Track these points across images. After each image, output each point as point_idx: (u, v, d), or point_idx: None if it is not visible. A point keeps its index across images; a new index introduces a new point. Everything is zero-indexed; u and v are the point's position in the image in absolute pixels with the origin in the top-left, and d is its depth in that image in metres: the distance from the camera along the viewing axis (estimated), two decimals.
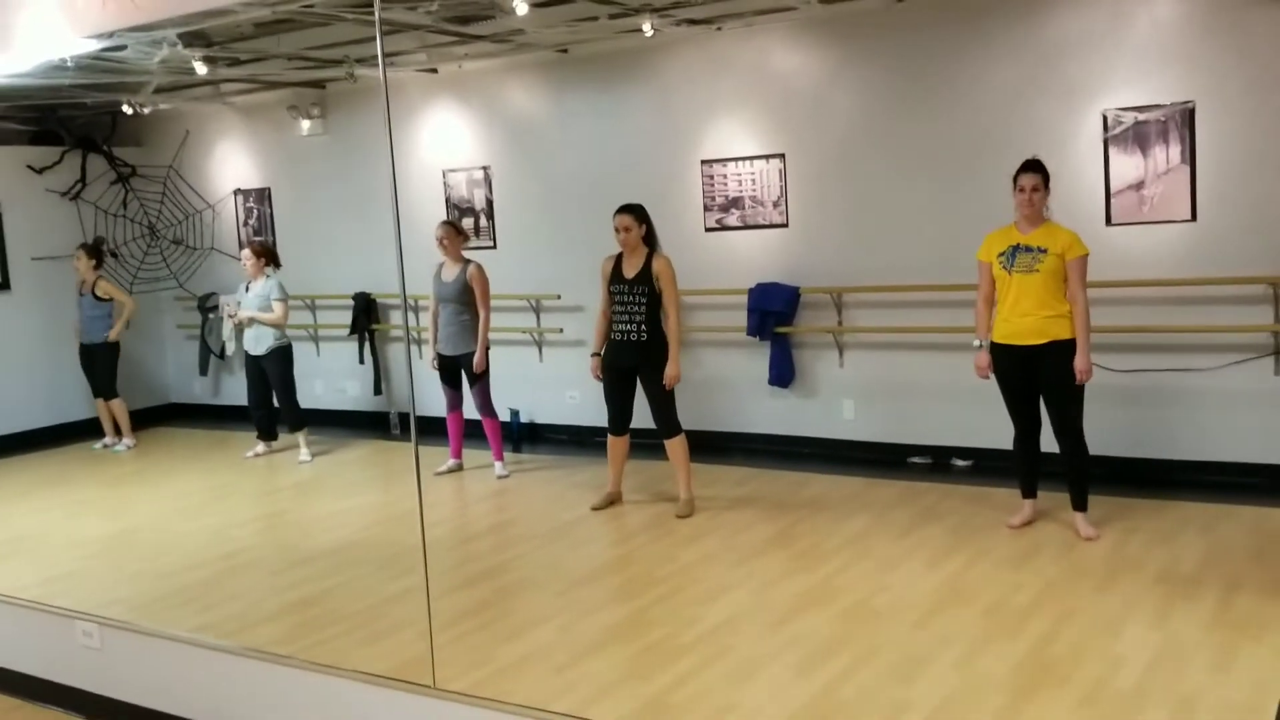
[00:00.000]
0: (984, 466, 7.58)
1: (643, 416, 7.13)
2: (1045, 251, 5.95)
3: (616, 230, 6.95)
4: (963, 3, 7.43)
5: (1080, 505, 6.15)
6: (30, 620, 5.89)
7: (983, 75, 7.51)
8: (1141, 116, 7.01)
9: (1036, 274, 5.96)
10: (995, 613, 5.07)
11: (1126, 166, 7.08)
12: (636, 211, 6.96)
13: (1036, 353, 6.03)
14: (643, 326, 6.93)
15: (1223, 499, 6.63)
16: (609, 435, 7.24)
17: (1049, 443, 6.21)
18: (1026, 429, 6.25)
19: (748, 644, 4.90)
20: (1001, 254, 6.09)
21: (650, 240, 7.00)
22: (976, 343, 6.28)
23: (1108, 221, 7.11)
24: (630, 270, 6.96)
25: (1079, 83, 7.18)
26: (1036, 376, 6.10)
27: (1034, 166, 6.05)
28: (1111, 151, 7.11)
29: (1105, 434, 6.81)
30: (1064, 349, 5.97)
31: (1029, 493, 6.39)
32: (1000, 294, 6.14)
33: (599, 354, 7.15)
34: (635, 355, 6.98)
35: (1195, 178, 6.90)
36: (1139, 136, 7.03)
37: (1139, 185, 7.06)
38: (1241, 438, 6.99)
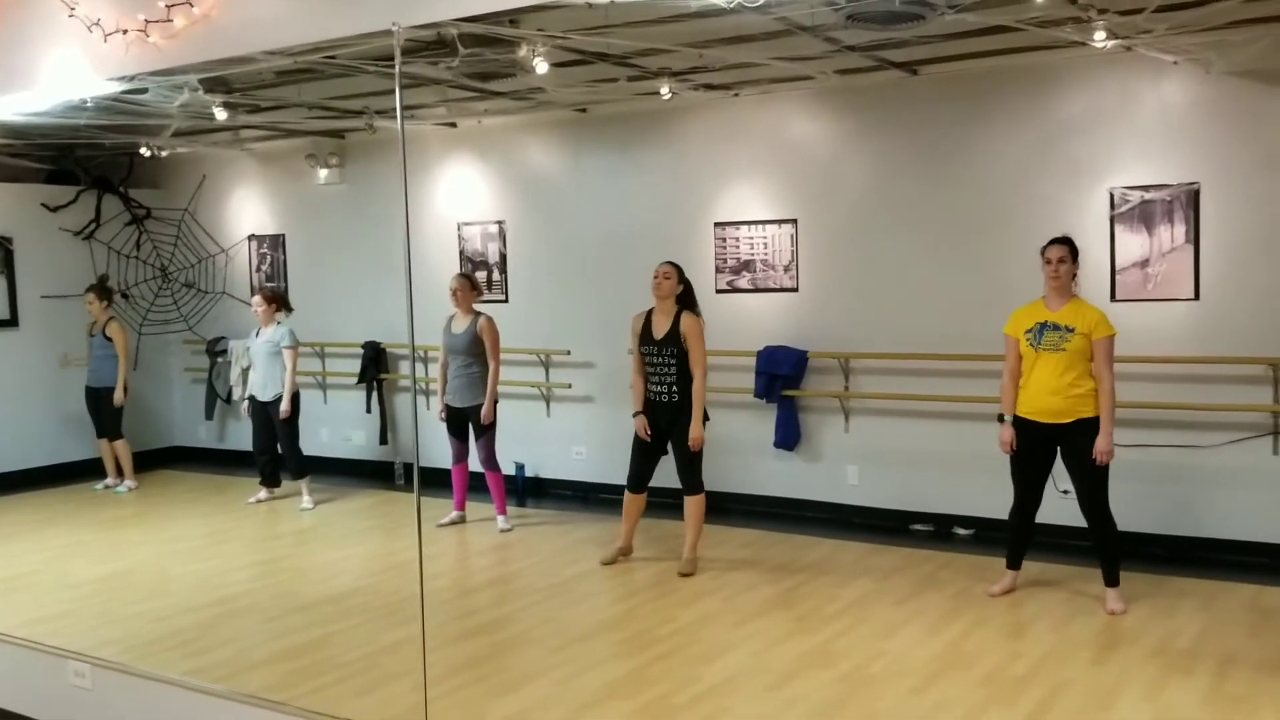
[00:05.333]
0: (985, 536, 7.56)
1: (659, 476, 7.18)
2: (1072, 331, 5.97)
3: (655, 276, 6.98)
4: (975, 79, 7.54)
5: (1111, 580, 6.11)
6: (22, 659, 5.89)
7: (993, 150, 7.60)
8: (1147, 195, 7.09)
9: (1063, 352, 5.97)
10: (992, 681, 5.08)
11: (1131, 244, 7.15)
12: (679, 268, 7.02)
13: (1061, 431, 6.05)
14: (674, 388, 6.92)
15: (1220, 575, 6.63)
16: (626, 491, 7.24)
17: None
18: (1027, 503, 6.27)
19: (745, 705, 4.90)
20: (1029, 331, 6.10)
21: (685, 300, 7.02)
22: (1002, 417, 6.28)
23: (1112, 298, 7.16)
24: (659, 330, 6.97)
25: (1086, 160, 7.27)
26: (1057, 453, 6.12)
27: (1061, 239, 6.12)
28: (1117, 229, 7.18)
29: None
30: (1089, 426, 5.98)
31: (1014, 564, 6.43)
32: (1026, 369, 6.13)
33: (641, 413, 7.10)
34: (667, 416, 6.98)
35: (1199, 257, 6.98)
36: (1144, 215, 7.10)
37: (1144, 263, 7.13)
38: (1240, 515, 7.00)
